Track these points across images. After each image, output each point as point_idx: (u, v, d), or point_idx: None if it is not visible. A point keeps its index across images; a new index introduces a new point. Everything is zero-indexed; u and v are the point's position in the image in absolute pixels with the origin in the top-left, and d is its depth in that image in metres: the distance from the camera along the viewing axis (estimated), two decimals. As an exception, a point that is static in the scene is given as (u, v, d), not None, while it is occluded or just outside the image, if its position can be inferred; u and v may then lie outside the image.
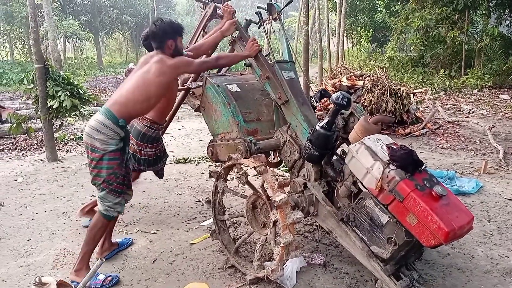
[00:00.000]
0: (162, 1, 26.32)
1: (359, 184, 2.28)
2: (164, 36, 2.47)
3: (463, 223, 1.96)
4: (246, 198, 2.60)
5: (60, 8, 20.04)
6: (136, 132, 3.04)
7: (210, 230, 3.20)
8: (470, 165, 4.97)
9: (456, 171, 4.51)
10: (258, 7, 3.15)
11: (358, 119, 2.52)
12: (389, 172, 2.06)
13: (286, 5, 3.95)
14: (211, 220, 3.41)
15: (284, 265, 2.38)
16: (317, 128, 2.41)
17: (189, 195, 4.10)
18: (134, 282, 2.52)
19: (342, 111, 2.56)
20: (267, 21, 3.14)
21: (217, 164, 3.40)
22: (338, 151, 2.84)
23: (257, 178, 3.85)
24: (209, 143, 2.98)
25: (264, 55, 2.85)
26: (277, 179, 2.25)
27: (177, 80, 2.87)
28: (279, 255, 2.24)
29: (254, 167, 2.30)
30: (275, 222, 2.33)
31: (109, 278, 2.50)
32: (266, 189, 2.44)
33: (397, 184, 2.02)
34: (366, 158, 2.18)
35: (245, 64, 2.91)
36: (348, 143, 2.63)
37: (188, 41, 3.35)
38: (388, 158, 2.11)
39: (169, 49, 2.50)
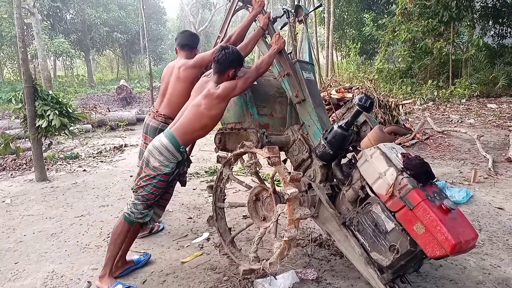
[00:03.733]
0: (152, 18, 26.49)
1: (368, 189, 2.29)
2: (229, 65, 2.55)
3: (468, 238, 1.97)
4: (250, 189, 2.61)
5: (50, 27, 20.08)
6: (153, 129, 3.13)
7: (201, 247, 3.21)
8: (460, 175, 5.01)
9: (446, 181, 4.54)
10: (283, 9, 3.21)
11: (371, 128, 2.55)
12: (402, 179, 2.08)
13: (315, 9, 4.03)
14: (203, 237, 3.40)
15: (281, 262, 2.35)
16: (335, 127, 2.43)
17: (180, 212, 4.06)
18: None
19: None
20: (292, 23, 3.19)
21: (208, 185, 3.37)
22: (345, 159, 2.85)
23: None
24: (218, 131, 2.98)
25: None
26: (289, 173, 2.24)
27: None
28: (280, 249, 2.23)
29: (269, 157, 2.28)
30: (279, 216, 2.33)
31: None
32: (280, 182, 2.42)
33: (408, 192, 2.03)
34: (380, 163, 2.20)
35: None
36: (357, 152, 2.65)
37: (219, 30, 3.39)
38: (402, 166, 2.13)
39: (228, 76, 2.57)
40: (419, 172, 2.10)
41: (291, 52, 3.06)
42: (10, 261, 3.09)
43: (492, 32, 13.44)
